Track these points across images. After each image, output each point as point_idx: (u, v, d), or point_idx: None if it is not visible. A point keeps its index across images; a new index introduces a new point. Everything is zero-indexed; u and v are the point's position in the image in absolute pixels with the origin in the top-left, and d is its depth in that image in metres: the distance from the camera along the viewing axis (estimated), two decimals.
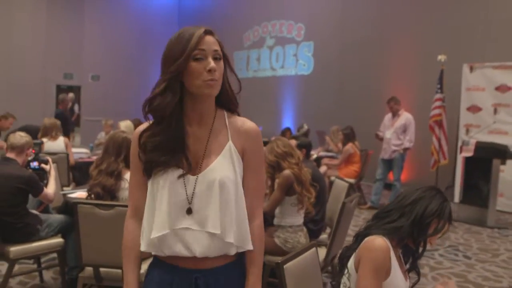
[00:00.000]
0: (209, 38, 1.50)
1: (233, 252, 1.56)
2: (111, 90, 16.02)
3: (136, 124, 8.13)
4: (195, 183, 1.52)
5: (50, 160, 4.06)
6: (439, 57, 8.10)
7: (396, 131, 7.49)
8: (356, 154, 7.53)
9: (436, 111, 8.17)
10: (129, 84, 16.37)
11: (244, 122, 1.61)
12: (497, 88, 7.77)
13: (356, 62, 10.65)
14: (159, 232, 1.50)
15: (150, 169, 1.53)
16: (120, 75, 16.26)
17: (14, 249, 3.47)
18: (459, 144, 7.77)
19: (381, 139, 7.72)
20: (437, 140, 8.18)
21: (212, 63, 1.47)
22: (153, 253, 1.59)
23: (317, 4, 12.11)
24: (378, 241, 1.85)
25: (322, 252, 3.60)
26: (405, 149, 7.48)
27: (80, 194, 3.97)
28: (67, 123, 10.10)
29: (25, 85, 14.42)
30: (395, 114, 7.62)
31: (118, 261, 3.02)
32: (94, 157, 6.54)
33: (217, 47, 1.51)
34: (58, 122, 6.25)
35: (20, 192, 3.50)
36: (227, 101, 1.60)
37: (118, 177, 3.21)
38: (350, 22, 10.96)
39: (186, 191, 1.52)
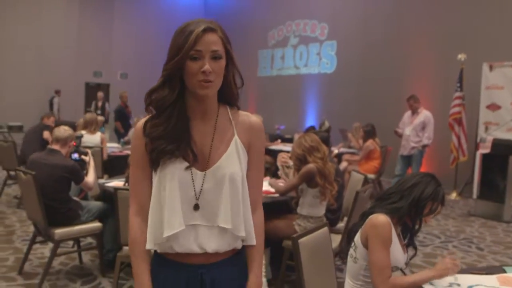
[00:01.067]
0: (208, 37, 1.46)
1: (240, 245, 1.57)
2: (138, 88, 16.46)
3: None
4: (203, 179, 1.50)
5: (89, 152, 4.45)
6: (459, 56, 8.31)
7: (415, 128, 7.70)
8: (376, 150, 7.76)
9: (456, 109, 8.38)
10: (156, 82, 16.85)
11: (249, 117, 1.61)
12: None
13: (378, 61, 10.85)
14: (172, 230, 1.46)
15: (157, 159, 1.49)
16: (147, 74, 16.66)
17: (59, 231, 3.84)
18: (478, 141, 7.95)
19: (400, 135, 7.94)
20: (456, 138, 8.39)
21: (206, 65, 1.44)
22: (159, 251, 1.54)
23: (340, 4, 12.34)
24: (381, 218, 2.15)
25: (338, 238, 3.89)
26: (424, 146, 7.69)
27: (116, 183, 4.34)
28: (126, 119, 10.70)
29: (57, 83, 14.95)
30: (414, 112, 7.83)
31: None
32: (126, 151, 6.96)
33: (216, 47, 1.46)
34: (100, 118, 6.67)
35: (64, 180, 3.88)
36: (228, 97, 1.58)
37: None
38: (372, 21, 11.18)
39: (194, 187, 1.50)
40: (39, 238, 4.21)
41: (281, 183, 4.18)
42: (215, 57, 1.45)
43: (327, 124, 9.37)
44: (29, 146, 6.63)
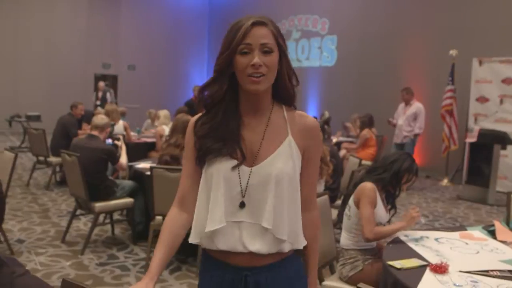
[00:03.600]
0: (257, 30, 1.42)
1: (287, 249, 1.50)
2: (145, 79, 17.04)
3: (181, 111, 9.15)
4: (249, 175, 1.46)
5: (121, 138, 5.11)
6: (451, 51, 8.92)
7: (408, 118, 8.37)
8: (372, 138, 8.40)
9: (448, 101, 9.00)
10: (162, 74, 17.40)
11: (305, 118, 1.56)
12: (503, 81, 8.50)
13: (376, 55, 11.46)
14: (215, 226, 1.45)
15: (202, 157, 1.49)
16: (154, 65, 17.27)
17: (98, 205, 4.50)
18: (467, 131, 8.60)
19: (394, 125, 8.59)
20: (448, 128, 9.02)
21: (256, 58, 1.40)
22: (203, 246, 1.55)
23: (340, 0, 12.92)
24: (369, 185, 2.81)
25: (336, 212, 4.56)
26: (415, 135, 8.36)
27: (143, 165, 5.00)
28: (194, 111, 10.82)
29: (67, 75, 15.50)
30: (407, 103, 8.49)
31: None
32: (143, 139, 7.61)
33: (266, 40, 1.42)
34: (120, 109, 7.30)
35: (103, 161, 4.54)
36: (283, 94, 1.54)
37: (183, 148, 4.20)
38: (370, 17, 11.77)
39: (240, 183, 1.46)
40: (79, 212, 4.87)
41: None
42: (265, 50, 1.42)
43: (327, 114, 9.99)
44: (58, 136, 7.31)
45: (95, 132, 4.66)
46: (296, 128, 1.52)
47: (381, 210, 2.86)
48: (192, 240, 1.53)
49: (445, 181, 9.18)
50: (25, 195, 6.67)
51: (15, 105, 13.78)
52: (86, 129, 7.84)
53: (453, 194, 8.26)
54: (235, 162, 1.46)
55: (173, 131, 4.32)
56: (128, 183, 4.80)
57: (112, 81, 16.59)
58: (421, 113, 8.37)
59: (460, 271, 2.23)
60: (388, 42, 11.11)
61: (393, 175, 2.85)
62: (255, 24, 1.42)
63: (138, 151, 6.97)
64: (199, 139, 1.50)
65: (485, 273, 2.23)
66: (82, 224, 5.38)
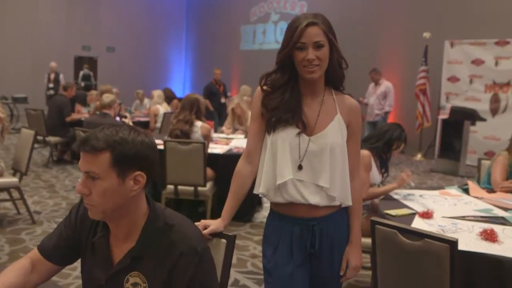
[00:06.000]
0: (311, 30, 1.74)
1: (336, 203, 1.87)
2: (125, 61, 17.20)
3: (167, 92, 9.52)
4: (308, 143, 1.81)
5: (128, 115, 5.50)
6: (424, 34, 9.49)
7: (378, 97, 8.96)
8: None
9: (421, 81, 9.59)
10: (142, 56, 17.57)
11: (349, 99, 1.93)
12: (473, 62, 9.10)
13: (352, 38, 11.90)
14: (283, 179, 1.79)
15: (274, 124, 1.82)
16: (133, 47, 17.41)
17: None
18: (439, 109, 9.22)
19: (366, 104, 9.12)
20: (421, 106, 9.61)
21: (309, 55, 1.74)
22: (271, 200, 1.89)
23: None
24: (365, 152, 3.30)
25: None
26: (386, 113, 8.96)
27: None
28: (213, 94, 10.21)
29: (48, 57, 15.57)
30: (376, 83, 9.07)
31: (191, 181, 4.44)
32: (136, 118, 7.98)
33: (318, 38, 1.74)
34: (114, 90, 7.65)
35: None
36: (334, 80, 1.88)
37: (191, 124, 4.62)
38: (347, 1, 12.23)
39: (299, 149, 1.81)
40: None
41: None
42: (317, 46, 1.75)
43: None
44: (52, 117, 7.61)
45: (105, 110, 5.05)
46: (343, 107, 1.88)
47: (375, 173, 3.36)
48: (261, 191, 1.86)
49: (418, 156, 9.80)
50: (28, 173, 6.98)
51: (0, 87, 13.85)
52: (79, 109, 8.18)
53: (427, 167, 8.88)
54: (298, 130, 1.81)
55: (182, 108, 4.73)
56: None
57: (92, 63, 16.70)
58: (390, 92, 8.95)
59: (443, 217, 2.75)
60: (364, 25, 11.59)
61: (385, 143, 3.36)
62: (308, 25, 1.74)
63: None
64: (269, 111, 1.84)
65: (463, 218, 2.76)
66: None
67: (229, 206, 1.87)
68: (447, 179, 7.89)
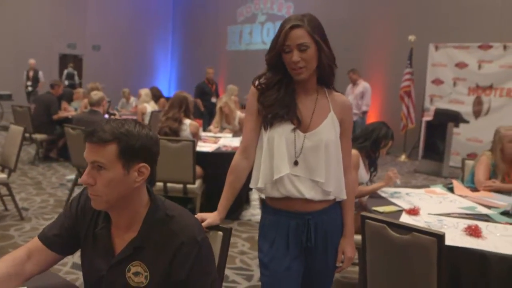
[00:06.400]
0: (295, 33, 1.77)
1: (331, 198, 1.92)
2: (110, 60, 17.13)
3: (154, 91, 9.51)
4: (304, 139, 1.86)
5: (117, 113, 5.52)
6: (410, 37, 9.62)
7: (356, 97, 9.12)
8: None
9: (406, 83, 9.72)
10: (128, 55, 17.50)
11: (341, 97, 1.98)
12: (457, 65, 9.24)
13: (339, 40, 12.01)
14: (280, 174, 1.84)
15: (271, 121, 1.86)
16: (120, 46, 17.33)
17: None
18: (423, 111, 9.36)
19: None
20: (406, 108, 9.74)
21: (294, 57, 1.78)
22: (265, 196, 1.95)
23: None
24: (353, 151, 3.36)
25: None
26: (364, 113, 9.11)
27: None
28: (205, 93, 10.23)
29: (33, 55, 15.42)
30: (354, 83, 9.22)
31: (180, 179, 4.47)
32: (123, 116, 7.97)
33: (302, 40, 1.77)
34: (101, 86, 7.67)
35: None
36: (324, 78, 1.91)
37: (180, 122, 4.66)
38: (334, 3, 12.34)
39: (295, 145, 1.86)
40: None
41: None
42: (302, 48, 1.78)
43: None
44: (38, 114, 7.58)
45: (94, 108, 5.06)
46: (335, 105, 1.93)
47: (362, 172, 3.43)
48: (259, 185, 1.90)
49: (402, 157, 9.93)
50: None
51: None
52: (66, 107, 8.16)
53: (411, 168, 9.02)
54: (293, 126, 1.85)
55: (170, 106, 4.76)
56: None
57: (77, 61, 16.60)
58: (367, 92, 9.11)
59: (429, 214, 2.84)
60: (350, 28, 11.71)
61: (373, 142, 3.43)
62: (292, 27, 1.78)
63: None
64: (265, 107, 1.88)
65: (448, 215, 2.84)
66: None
67: (225, 198, 1.92)
68: (430, 179, 8.02)
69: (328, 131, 1.88)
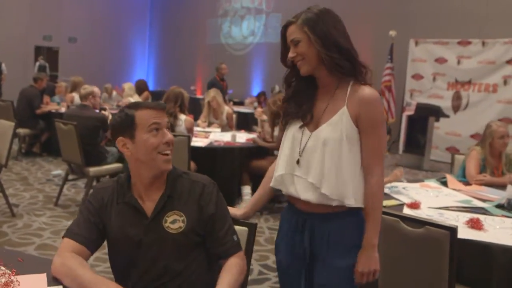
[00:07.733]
0: (288, 30, 1.79)
1: (334, 203, 1.75)
2: (87, 52, 16.87)
3: (139, 84, 9.45)
4: (308, 138, 1.79)
5: (107, 108, 5.48)
6: (390, 32, 9.74)
7: None
8: None
9: (387, 78, 9.85)
10: (104, 47, 17.25)
11: (362, 90, 1.77)
12: (436, 60, 9.45)
13: None
14: (277, 173, 1.86)
15: (285, 117, 1.89)
16: (96, 38, 17.06)
17: (92, 169, 4.91)
18: (404, 105, 9.53)
19: None
20: (386, 102, 9.88)
21: (290, 53, 1.78)
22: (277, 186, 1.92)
23: None
24: None
25: None
26: None
27: None
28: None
29: (7, 47, 15.14)
30: None
31: None
32: (112, 111, 7.91)
33: (293, 35, 1.76)
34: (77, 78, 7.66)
35: (96, 129, 4.93)
36: (338, 70, 1.78)
37: (176, 117, 4.68)
38: None
39: (300, 144, 1.81)
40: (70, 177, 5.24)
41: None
42: (294, 44, 1.77)
43: (277, 88, 10.60)
44: (21, 108, 7.47)
45: (84, 102, 5.03)
46: (353, 99, 1.75)
47: None
48: (271, 184, 1.93)
49: None
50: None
51: None
52: (47, 101, 8.06)
53: (392, 162, 9.18)
54: (301, 123, 1.81)
55: (166, 100, 4.78)
56: (115, 150, 5.21)
57: (52, 54, 16.32)
58: None
59: (429, 207, 2.93)
60: None
61: None
62: (286, 26, 1.81)
63: None
64: (283, 104, 1.91)
65: (447, 208, 2.95)
66: (66, 189, 5.69)
67: (254, 198, 2.04)
68: (412, 173, 8.19)
69: (330, 129, 1.75)
